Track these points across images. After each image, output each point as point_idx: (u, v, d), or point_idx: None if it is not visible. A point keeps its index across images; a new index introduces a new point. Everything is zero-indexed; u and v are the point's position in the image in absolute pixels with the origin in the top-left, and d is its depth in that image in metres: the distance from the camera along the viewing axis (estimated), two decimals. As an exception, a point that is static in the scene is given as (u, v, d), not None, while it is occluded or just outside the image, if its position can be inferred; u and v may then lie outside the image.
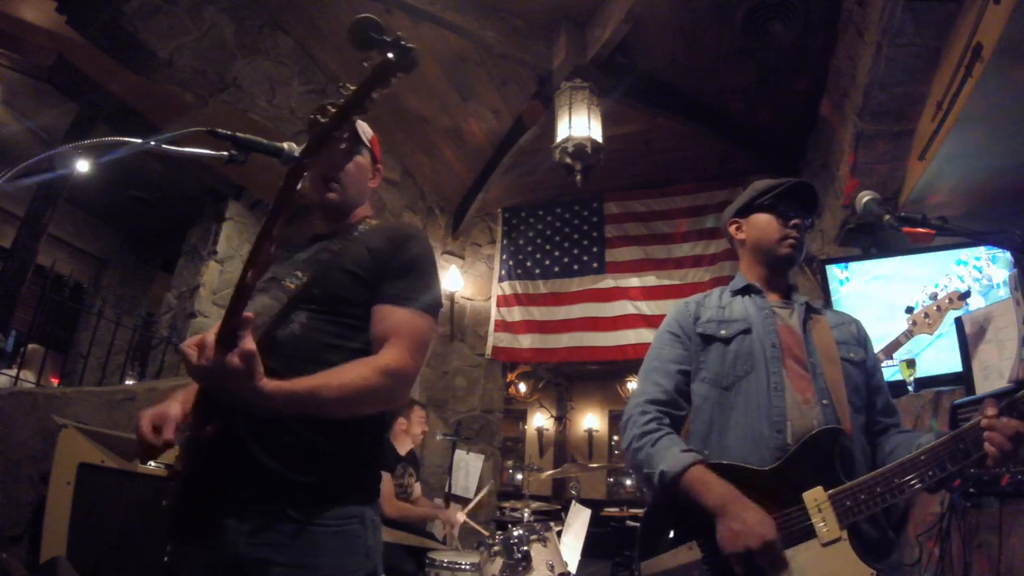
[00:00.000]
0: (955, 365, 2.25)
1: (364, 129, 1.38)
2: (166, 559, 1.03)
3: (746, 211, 1.50)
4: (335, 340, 1.11)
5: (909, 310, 2.27)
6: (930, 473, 1.06)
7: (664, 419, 1.32)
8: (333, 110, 0.88)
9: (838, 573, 1.07)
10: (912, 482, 1.07)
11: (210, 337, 0.91)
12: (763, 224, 1.45)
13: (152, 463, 2.45)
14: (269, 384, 0.92)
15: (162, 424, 1.07)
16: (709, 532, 1.14)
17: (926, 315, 2.22)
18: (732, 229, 1.54)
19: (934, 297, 2.24)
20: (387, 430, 1.28)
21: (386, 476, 3.09)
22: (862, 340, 1.42)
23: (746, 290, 1.46)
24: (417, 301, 1.16)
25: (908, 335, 2.29)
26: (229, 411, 1.01)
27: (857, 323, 1.47)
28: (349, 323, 1.14)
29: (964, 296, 2.16)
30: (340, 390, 1.00)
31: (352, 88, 0.88)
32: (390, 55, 0.86)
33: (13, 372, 3.40)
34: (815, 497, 1.12)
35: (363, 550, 1.08)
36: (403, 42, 0.86)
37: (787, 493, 1.14)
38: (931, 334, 2.24)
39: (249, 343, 0.90)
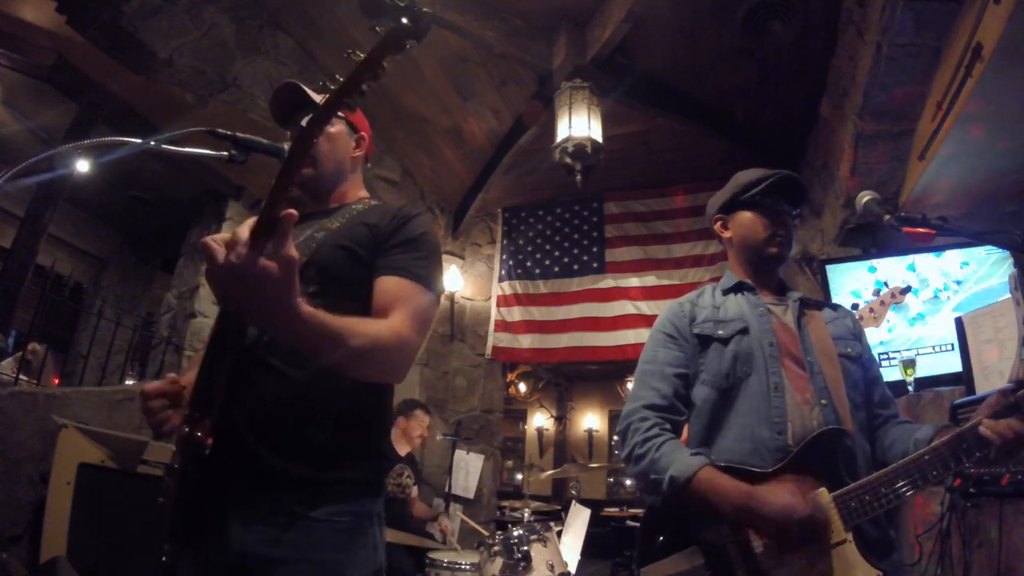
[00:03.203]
0: (955, 365, 2.26)
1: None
2: (164, 559, 0.99)
3: (730, 207, 1.45)
4: None
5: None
6: (934, 473, 1.06)
7: (665, 424, 1.29)
8: (342, 79, 0.81)
9: (844, 575, 1.06)
10: (916, 483, 1.07)
11: (243, 231, 0.76)
12: (748, 223, 1.40)
13: (152, 463, 2.46)
14: (306, 306, 0.82)
15: (165, 391, 1.02)
16: (711, 537, 1.14)
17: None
18: (717, 226, 1.49)
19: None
20: (391, 422, 1.24)
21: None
22: (857, 333, 1.41)
23: (738, 287, 1.43)
24: (420, 275, 1.10)
25: None
26: (226, 404, 0.96)
27: (851, 315, 1.45)
28: (344, 306, 1.05)
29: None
30: (363, 338, 0.94)
31: (361, 55, 0.81)
32: (404, 20, 0.79)
33: (13, 371, 3.39)
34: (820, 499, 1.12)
35: (371, 545, 1.06)
36: (416, 7, 0.79)
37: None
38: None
39: (291, 248, 0.76)
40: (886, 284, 2.50)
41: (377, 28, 0.80)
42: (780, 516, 1.06)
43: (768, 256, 1.39)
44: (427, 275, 1.11)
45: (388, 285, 1.08)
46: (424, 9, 0.80)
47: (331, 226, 1.18)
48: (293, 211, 0.76)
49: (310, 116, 0.81)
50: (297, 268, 0.78)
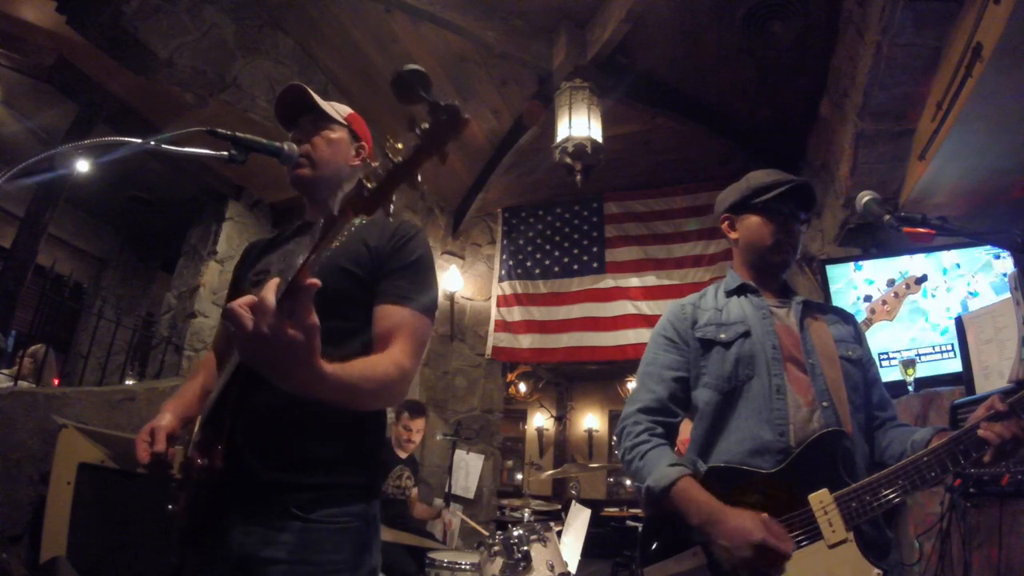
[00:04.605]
0: (955, 365, 2.26)
1: (337, 107, 1.34)
2: (173, 561, 1.04)
3: (739, 208, 1.45)
4: (330, 348, 0.99)
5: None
6: (932, 474, 1.07)
7: (656, 428, 1.31)
8: (382, 173, 0.82)
9: (845, 574, 1.07)
10: (915, 483, 1.08)
11: (269, 298, 0.76)
12: (755, 227, 1.40)
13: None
14: (328, 366, 0.85)
15: (151, 439, 1.09)
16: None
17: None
18: (724, 226, 1.49)
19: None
20: (385, 428, 1.26)
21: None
22: (858, 336, 1.41)
23: (741, 289, 1.43)
24: (419, 302, 1.14)
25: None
26: (232, 427, 1.01)
27: (853, 319, 1.46)
28: (345, 327, 1.12)
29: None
30: (375, 383, 0.98)
31: (399, 148, 0.82)
32: (442, 120, 0.79)
33: (14, 372, 3.39)
34: (820, 499, 1.12)
35: (367, 546, 1.09)
36: (457, 109, 0.79)
37: (791, 496, 1.14)
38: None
39: (313, 315, 0.79)
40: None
41: (412, 125, 0.80)
42: (734, 538, 1.07)
43: (772, 263, 1.40)
44: (426, 300, 1.16)
45: (389, 313, 1.12)
46: (465, 116, 0.79)
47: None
48: (316, 280, 0.77)
49: (340, 205, 0.81)
50: (318, 333, 0.80)
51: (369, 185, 0.80)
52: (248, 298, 0.78)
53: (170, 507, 1.06)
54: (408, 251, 1.19)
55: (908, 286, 2.18)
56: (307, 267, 0.78)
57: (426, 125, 0.80)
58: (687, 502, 1.15)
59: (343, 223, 0.80)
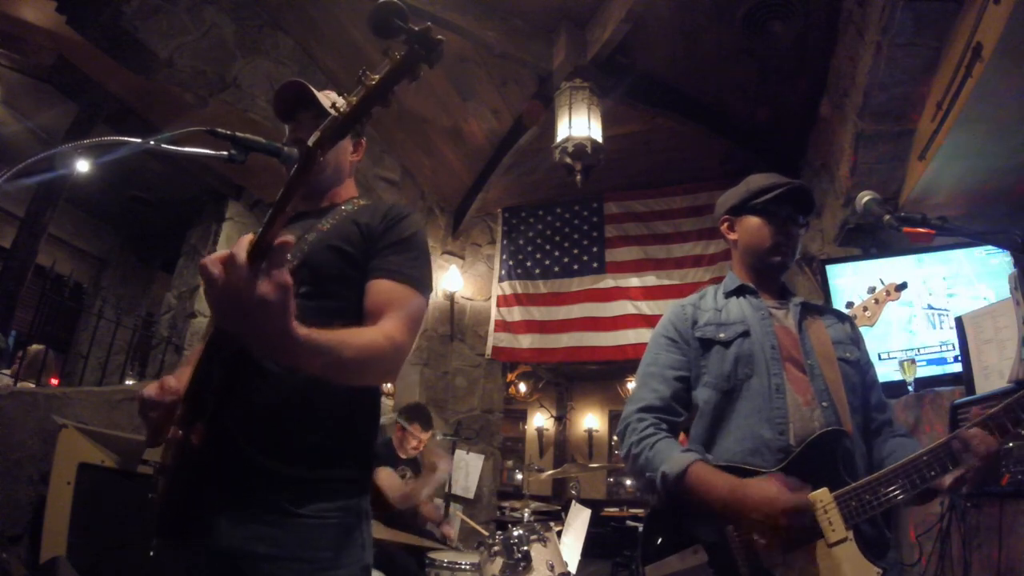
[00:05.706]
0: (955, 365, 2.26)
1: (334, 99, 1.34)
2: (151, 554, 1.00)
3: (739, 210, 1.46)
4: (320, 328, 0.98)
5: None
6: (932, 474, 1.08)
7: (661, 424, 1.31)
8: (353, 99, 0.79)
9: (845, 573, 1.08)
10: (914, 483, 1.08)
11: (240, 252, 0.74)
12: (754, 229, 1.41)
13: (152, 463, 2.45)
14: (302, 328, 0.81)
15: (163, 402, 1.05)
16: (714, 535, 1.14)
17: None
18: (724, 228, 1.50)
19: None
20: (378, 419, 1.25)
21: (387, 470, 3.09)
22: (856, 338, 1.42)
23: (740, 291, 1.44)
24: (412, 278, 1.11)
25: None
26: (218, 405, 0.98)
27: (851, 320, 1.47)
28: (335, 306, 1.10)
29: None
30: (358, 350, 0.94)
31: (375, 77, 0.78)
32: (416, 46, 0.77)
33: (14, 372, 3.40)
34: (820, 498, 1.12)
35: (359, 542, 1.07)
36: (431, 32, 0.78)
37: None
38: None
39: (286, 273, 0.76)
40: (881, 281, 2.46)
41: (387, 53, 0.79)
42: (764, 505, 1.07)
43: (771, 264, 1.41)
44: (419, 276, 1.13)
45: (381, 288, 1.09)
46: (439, 37, 0.78)
47: (322, 227, 1.19)
48: (289, 238, 0.75)
49: (314, 138, 0.78)
50: (292, 292, 0.77)
51: (340, 111, 0.78)
52: (222, 253, 0.76)
53: (151, 496, 1.04)
54: (400, 229, 1.17)
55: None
56: (278, 219, 0.75)
57: (402, 51, 0.79)
58: (705, 483, 1.14)
59: (319, 157, 0.78)
